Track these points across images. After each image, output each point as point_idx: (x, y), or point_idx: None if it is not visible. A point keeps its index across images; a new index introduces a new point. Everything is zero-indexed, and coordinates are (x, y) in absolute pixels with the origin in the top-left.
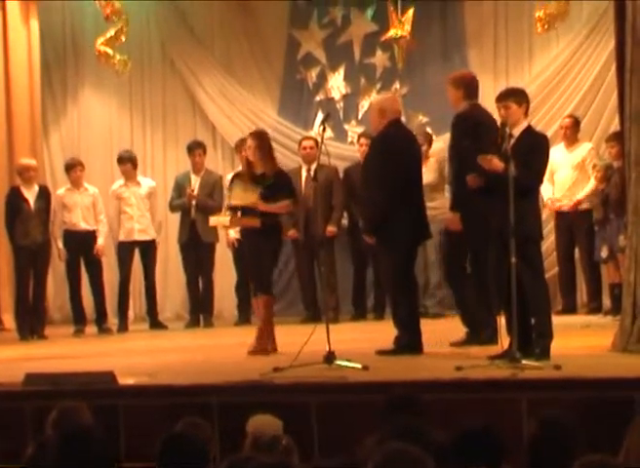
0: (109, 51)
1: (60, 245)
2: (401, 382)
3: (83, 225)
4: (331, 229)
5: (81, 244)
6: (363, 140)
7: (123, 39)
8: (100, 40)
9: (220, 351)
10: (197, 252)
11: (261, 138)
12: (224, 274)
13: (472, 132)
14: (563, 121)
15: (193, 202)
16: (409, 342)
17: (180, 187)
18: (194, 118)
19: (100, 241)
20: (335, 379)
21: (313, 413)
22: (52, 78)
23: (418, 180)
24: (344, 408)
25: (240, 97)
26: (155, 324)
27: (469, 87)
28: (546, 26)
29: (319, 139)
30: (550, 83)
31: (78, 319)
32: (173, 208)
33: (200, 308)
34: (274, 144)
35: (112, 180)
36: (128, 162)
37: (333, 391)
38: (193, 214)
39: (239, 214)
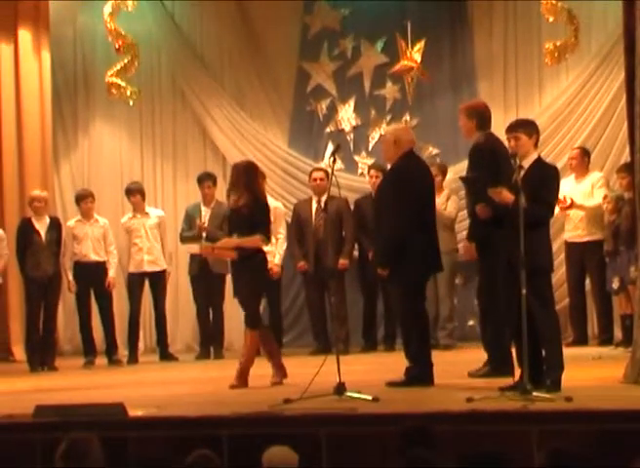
0: (119, 82)
1: (71, 276)
2: (412, 414)
3: (93, 257)
4: (343, 262)
5: (91, 275)
6: (373, 172)
7: (133, 71)
8: (111, 72)
9: (230, 383)
10: (207, 283)
11: (235, 170)
12: (234, 305)
13: (489, 162)
14: (571, 152)
15: (204, 234)
16: (419, 374)
17: (191, 219)
18: (204, 150)
19: (111, 273)
20: (345, 411)
21: (323, 445)
22: (63, 110)
23: (431, 212)
24: (355, 440)
25: (250, 128)
26: (165, 355)
27: (482, 117)
28: (556, 58)
29: (329, 171)
30: (561, 114)
31: (88, 350)
32: (183, 239)
33: (210, 340)
34: (285, 175)
35: (122, 212)
36: (137, 193)
37: (343, 423)
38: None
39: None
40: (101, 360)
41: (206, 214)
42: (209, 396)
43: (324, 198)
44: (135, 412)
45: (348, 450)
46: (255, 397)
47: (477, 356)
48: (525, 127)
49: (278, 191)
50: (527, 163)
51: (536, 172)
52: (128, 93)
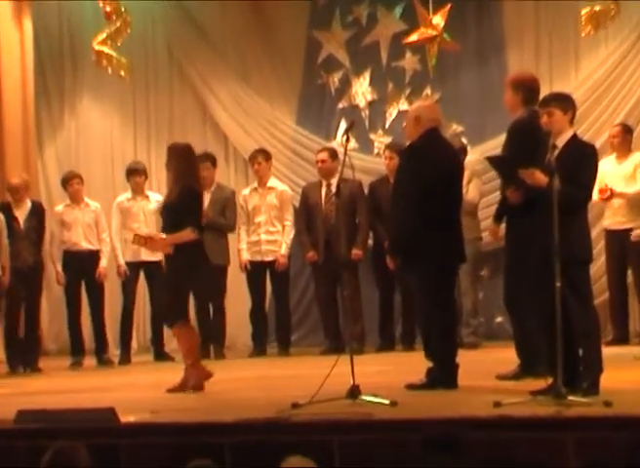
0: (109, 51)
1: (59, 267)
2: (434, 420)
3: (85, 245)
4: (357, 252)
5: (82, 265)
6: (388, 153)
7: (122, 40)
8: (98, 39)
9: (232, 385)
10: (207, 276)
11: (169, 153)
12: (238, 300)
13: (527, 141)
14: (612, 129)
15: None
16: (442, 376)
17: None
18: (204, 128)
19: (103, 262)
20: (360, 416)
21: (336, 454)
22: (47, 85)
23: (455, 197)
24: (371, 448)
25: (255, 104)
26: (161, 355)
27: (531, 91)
28: (594, 26)
29: (342, 151)
30: (599, 88)
31: (76, 350)
32: None
33: (210, 338)
34: (293, 156)
35: (113, 198)
36: (142, 174)
37: (357, 429)
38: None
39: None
40: (90, 360)
41: (205, 198)
42: (209, 400)
43: (334, 181)
44: (127, 418)
45: (363, 460)
46: (260, 401)
47: (505, 356)
48: (560, 101)
49: (285, 173)
50: (561, 142)
51: (571, 151)
52: (119, 62)
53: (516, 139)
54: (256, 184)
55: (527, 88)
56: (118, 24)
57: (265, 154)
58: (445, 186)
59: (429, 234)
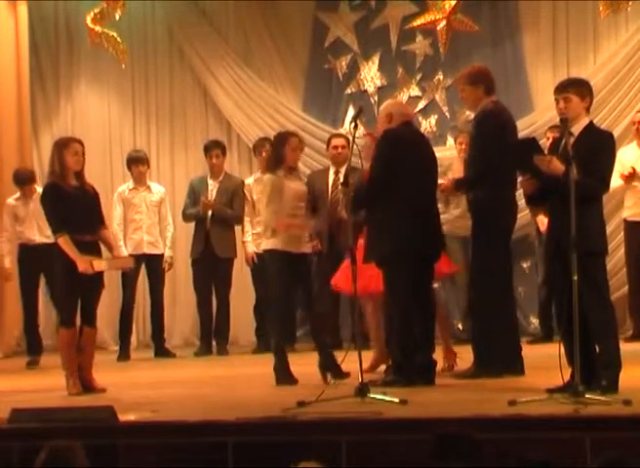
0: (106, 31)
1: (7, 263)
2: (446, 419)
3: (39, 239)
4: (363, 242)
5: (38, 260)
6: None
7: (117, 16)
8: (91, 15)
9: (235, 383)
10: (212, 268)
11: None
12: (242, 294)
13: (500, 133)
14: (635, 116)
15: (209, 212)
16: (396, 374)
17: (196, 193)
18: (206, 115)
19: None
20: (368, 415)
21: (344, 454)
22: (42, 69)
23: (420, 187)
24: (380, 448)
25: (259, 90)
26: (161, 351)
27: (490, 81)
28: (614, 7)
29: (350, 138)
30: (618, 73)
31: (33, 348)
32: (186, 217)
33: (213, 333)
34: None
35: (112, 188)
36: (145, 163)
37: (366, 429)
38: (209, 225)
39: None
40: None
41: (213, 188)
42: (211, 398)
43: (343, 169)
44: (126, 417)
45: (372, 460)
46: (264, 399)
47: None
48: (578, 87)
49: None
50: (577, 129)
51: (587, 139)
52: (114, 42)
53: (485, 130)
54: (259, 173)
55: (486, 79)
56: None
57: (271, 142)
58: (408, 175)
59: (393, 225)
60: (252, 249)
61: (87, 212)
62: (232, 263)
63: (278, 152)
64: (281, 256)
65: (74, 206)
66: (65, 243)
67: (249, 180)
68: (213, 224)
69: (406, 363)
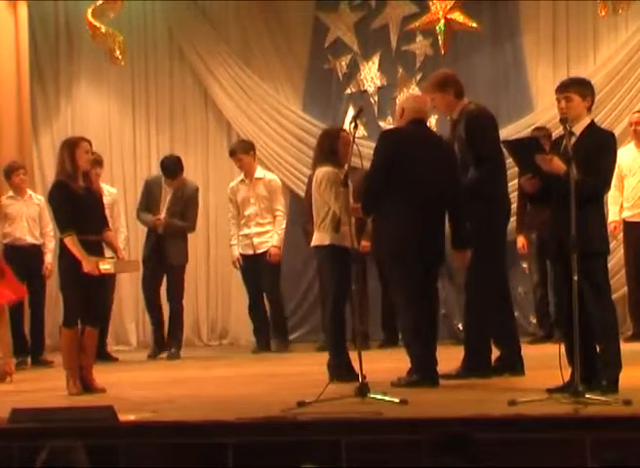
0: (106, 28)
1: None
2: (446, 419)
3: (29, 239)
4: (366, 244)
5: (26, 261)
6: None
7: (112, 15)
8: (91, 9)
9: (235, 383)
10: (163, 273)
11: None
12: (241, 295)
13: (494, 125)
14: (632, 116)
15: (159, 229)
16: (418, 375)
17: (150, 194)
18: (206, 115)
19: (49, 258)
20: (369, 415)
21: (344, 455)
22: (42, 69)
23: (420, 187)
24: (380, 448)
25: (259, 89)
26: (104, 355)
27: (458, 84)
28: (613, 7)
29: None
30: (619, 73)
31: (20, 349)
32: (140, 220)
33: (166, 338)
34: (298, 144)
35: (111, 186)
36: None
37: (366, 429)
38: (161, 231)
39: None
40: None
41: (166, 193)
42: (211, 398)
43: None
44: (126, 417)
45: (373, 461)
46: (264, 399)
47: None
48: (579, 86)
49: (290, 161)
50: (578, 129)
51: (588, 139)
52: (113, 38)
53: (474, 130)
54: (242, 176)
55: (454, 83)
56: None
57: (245, 146)
58: (410, 179)
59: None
60: (237, 252)
61: (93, 212)
62: (184, 270)
63: (331, 147)
64: (342, 252)
65: (81, 206)
66: (72, 242)
67: (232, 184)
68: (165, 231)
69: (425, 355)
